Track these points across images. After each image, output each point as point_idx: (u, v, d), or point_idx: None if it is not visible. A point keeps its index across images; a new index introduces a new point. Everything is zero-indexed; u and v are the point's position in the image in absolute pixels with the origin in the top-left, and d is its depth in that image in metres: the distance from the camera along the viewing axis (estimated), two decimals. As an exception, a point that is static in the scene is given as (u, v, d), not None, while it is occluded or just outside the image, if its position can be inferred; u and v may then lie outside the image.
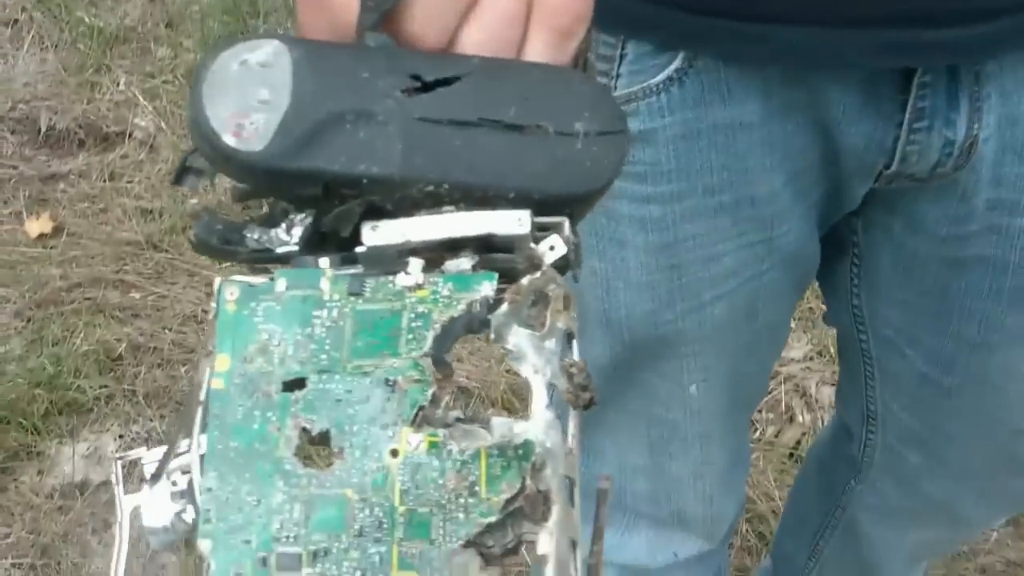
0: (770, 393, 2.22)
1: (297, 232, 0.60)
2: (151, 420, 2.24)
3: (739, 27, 0.95)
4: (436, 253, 0.59)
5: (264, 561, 0.52)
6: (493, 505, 0.55)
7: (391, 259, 0.59)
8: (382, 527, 0.54)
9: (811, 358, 2.24)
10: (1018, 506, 1.51)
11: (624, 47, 0.99)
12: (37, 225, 2.50)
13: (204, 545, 0.52)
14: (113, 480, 0.58)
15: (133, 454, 0.59)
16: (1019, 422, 1.26)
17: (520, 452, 0.57)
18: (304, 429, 0.55)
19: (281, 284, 0.58)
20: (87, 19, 2.84)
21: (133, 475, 0.56)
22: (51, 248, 2.48)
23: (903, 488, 1.44)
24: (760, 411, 2.20)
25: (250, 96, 0.56)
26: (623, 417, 1.29)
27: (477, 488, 0.56)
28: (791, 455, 2.17)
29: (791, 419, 2.21)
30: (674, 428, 1.28)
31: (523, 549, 0.55)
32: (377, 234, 0.58)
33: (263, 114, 0.56)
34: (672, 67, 0.99)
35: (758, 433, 2.19)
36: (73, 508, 2.17)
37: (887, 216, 1.14)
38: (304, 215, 0.60)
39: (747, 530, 2.10)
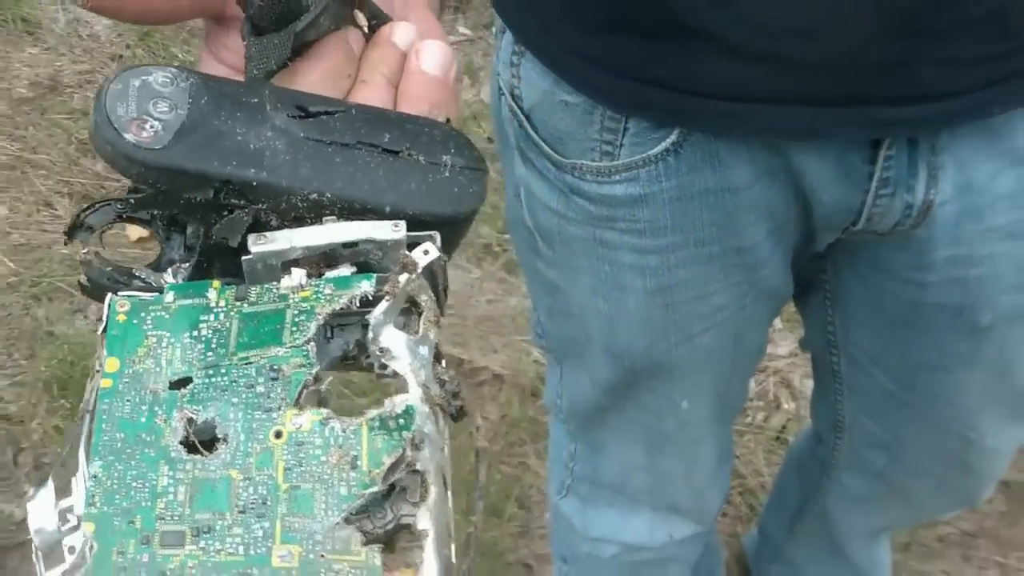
0: (760, 385, 2.22)
1: (181, 276, 0.58)
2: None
3: (727, 106, 0.96)
4: (316, 266, 0.58)
5: (148, 540, 0.50)
6: (375, 477, 0.54)
7: (274, 271, 0.58)
8: (266, 504, 0.52)
9: (795, 355, 2.24)
10: (968, 500, 1.51)
11: (627, 123, 1.00)
12: (135, 231, 2.49)
13: (88, 528, 0.50)
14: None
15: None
16: (966, 431, 1.27)
17: (401, 422, 0.55)
18: (190, 419, 0.53)
19: (170, 296, 0.57)
20: (180, 55, 2.83)
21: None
22: (148, 249, 2.47)
23: (868, 483, 1.47)
24: (752, 400, 2.20)
25: (150, 106, 0.56)
26: (624, 423, 1.31)
27: (359, 462, 0.54)
28: (777, 438, 2.17)
29: (778, 407, 2.21)
30: (667, 435, 1.30)
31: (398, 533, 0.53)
32: (263, 244, 0.57)
33: (161, 121, 0.55)
34: (669, 140, 0.99)
35: (749, 419, 2.19)
36: None
37: (852, 257, 1.15)
38: (187, 264, 0.59)
39: (739, 502, 2.10)
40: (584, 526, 1.50)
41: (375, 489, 0.53)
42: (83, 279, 0.59)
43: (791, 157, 0.99)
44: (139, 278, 0.58)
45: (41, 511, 0.54)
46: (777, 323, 2.07)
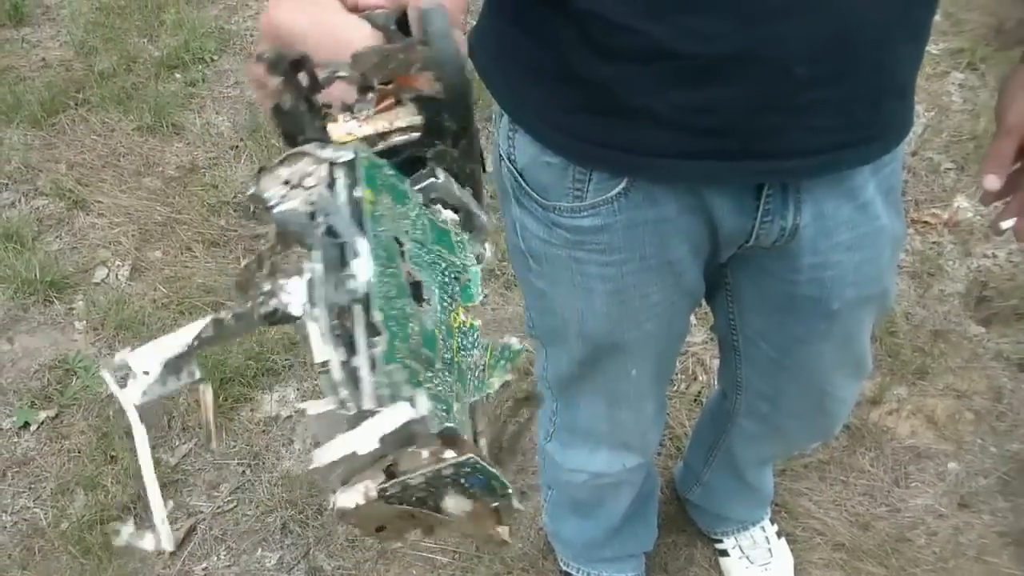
0: (682, 363, 2.21)
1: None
2: (316, 380, 2.24)
3: (660, 162, 0.96)
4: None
5: (403, 351, 0.46)
6: (489, 386, 0.52)
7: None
8: (449, 366, 0.49)
9: (706, 342, 2.24)
10: (825, 436, 1.55)
11: (591, 175, 1.00)
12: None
13: (378, 315, 0.45)
14: (113, 387, 0.52)
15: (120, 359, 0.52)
16: (824, 385, 1.29)
17: (509, 354, 0.53)
18: (409, 272, 0.49)
19: (390, 170, 0.52)
20: (276, 143, 2.83)
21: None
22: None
23: (758, 425, 1.47)
24: (677, 374, 2.19)
25: None
26: (591, 387, 1.30)
27: (484, 372, 0.52)
28: (695, 400, 2.16)
29: (695, 378, 2.20)
30: (622, 394, 1.29)
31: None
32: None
33: None
34: (620, 186, 0.99)
35: (676, 388, 2.18)
36: (271, 431, 2.17)
37: (745, 265, 1.15)
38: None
39: (670, 445, 2.09)
40: (563, 461, 1.50)
41: (488, 394, 0.51)
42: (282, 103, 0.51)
43: (704, 196, 1.00)
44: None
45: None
46: (693, 319, 2.08)
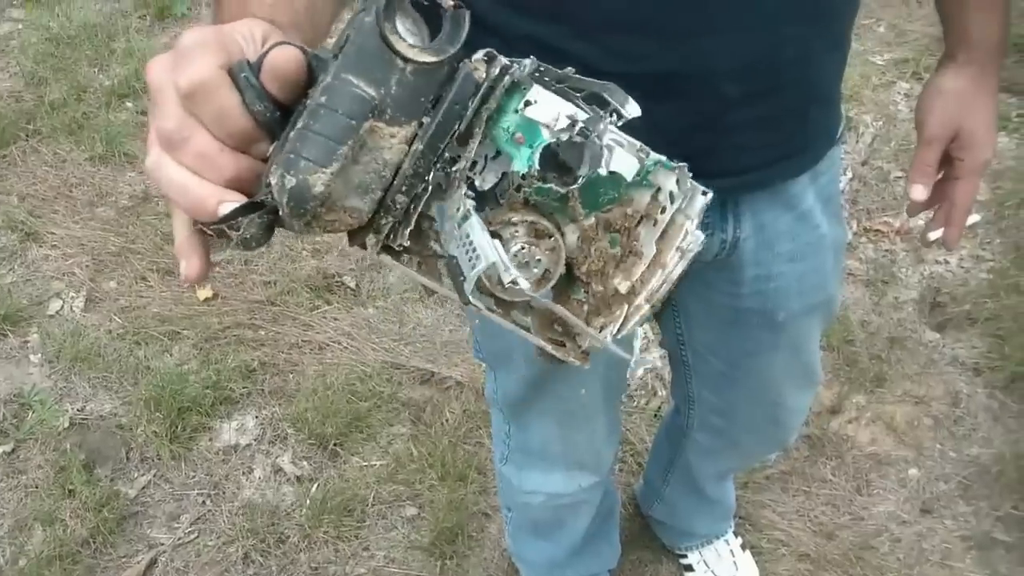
0: (642, 379, 2.21)
1: None
2: (275, 408, 2.22)
3: None
4: None
5: None
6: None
7: None
8: None
9: (664, 357, 2.24)
10: (780, 446, 1.55)
11: None
12: (203, 293, 2.48)
13: None
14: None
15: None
16: (775, 396, 1.29)
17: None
18: None
19: None
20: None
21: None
22: (212, 306, 2.46)
23: (713, 439, 1.46)
24: (636, 390, 2.20)
25: None
26: (541, 408, 1.30)
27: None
28: (655, 415, 2.16)
29: (655, 394, 2.20)
30: (573, 414, 1.29)
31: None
32: None
33: None
34: None
35: (636, 403, 2.18)
36: (230, 460, 2.15)
37: (689, 281, 1.14)
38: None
39: (631, 461, 2.09)
40: (520, 483, 1.49)
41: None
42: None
43: None
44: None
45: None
46: (651, 334, 2.07)
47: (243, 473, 2.12)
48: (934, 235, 1.14)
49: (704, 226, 1.01)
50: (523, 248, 0.54)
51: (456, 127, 0.49)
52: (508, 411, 1.36)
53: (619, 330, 0.55)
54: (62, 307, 2.48)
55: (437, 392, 2.23)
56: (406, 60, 0.47)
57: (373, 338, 2.35)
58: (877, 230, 2.53)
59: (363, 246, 0.52)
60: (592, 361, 1.17)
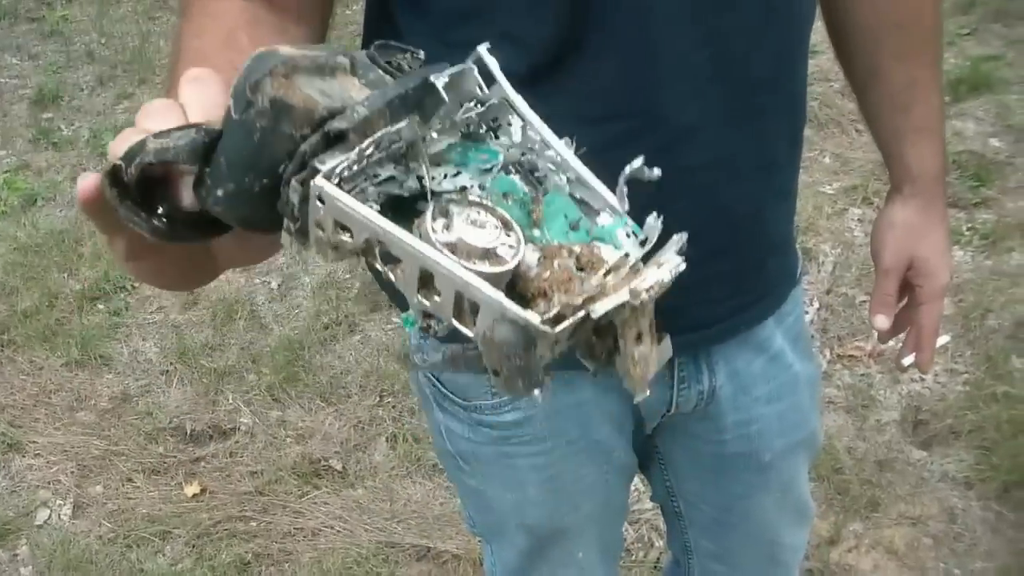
0: (637, 531, 2.21)
1: None
2: None
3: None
4: None
5: None
6: None
7: None
8: None
9: (657, 507, 2.23)
10: None
11: None
12: (191, 489, 2.47)
13: None
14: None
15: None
16: (771, 536, 1.28)
17: None
18: None
19: None
20: (206, 364, 2.85)
21: None
22: (200, 501, 2.45)
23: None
24: (633, 543, 2.19)
25: None
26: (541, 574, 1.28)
27: None
28: (654, 567, 2.15)
29: (652, 545, 2.19)
30: None
31: None
32: None
33: None
34: None
35: (634, 556, 2.17)
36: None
37: (672, 432, 1.17)
38: None
39: (635, 613, 2.07)
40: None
41: None
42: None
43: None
44: None
45: None
46: (642, 486, 2.08)
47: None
48: (907, 361, 1.18)
49: (681, 380, 1.05)
50: (479, 213, 0.51)
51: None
52: (510, 584, 1.35)
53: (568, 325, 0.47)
54: (50, 516, 2.46)
55: (435, 567, 2.21)
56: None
57: (365, 519, 2.34)
58: (850, 355, 2.58)
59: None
60: (587, 523, 1.19)
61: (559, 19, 0.81)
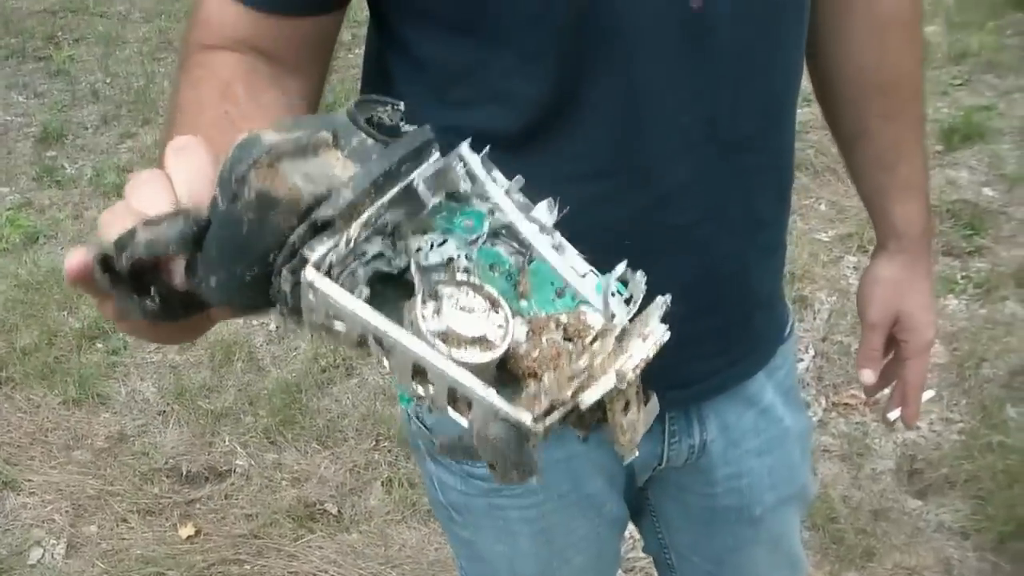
0: (631, 576, 2.21)
1: None
2: None
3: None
4: None
5: None
6: None
7: None
8: None
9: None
10: None
11: None
12: (185, 530, 2.47)
13: None
14: None
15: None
16: None
17: None
18: None
19: None
20: (203, 405, 2.85)
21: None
22: (195, 543, 2.45)
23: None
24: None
25: None
26: None
27: None
28: (649, 613, 2.14)
29: (646, 592, 2.19)
30: None
31: None
32: None
33: None
34: None
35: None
36: None
37: (664, 485, 1.17)
38: None
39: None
40: None
41: None
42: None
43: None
44: None
45: None
46: (637, 535, 2.07)
47: None
48: (893, 415, 1.19)
49: (672, 434, 1.06)
50: (468, 295, 0.53)
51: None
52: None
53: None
54: (43, 555, 2.45)
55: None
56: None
57: (360, 563, 2.34)
58: (846, 404, 2.59)
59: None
60: (579, 574, 1.19)
61: (550, 79, 0.82)
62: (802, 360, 2.72)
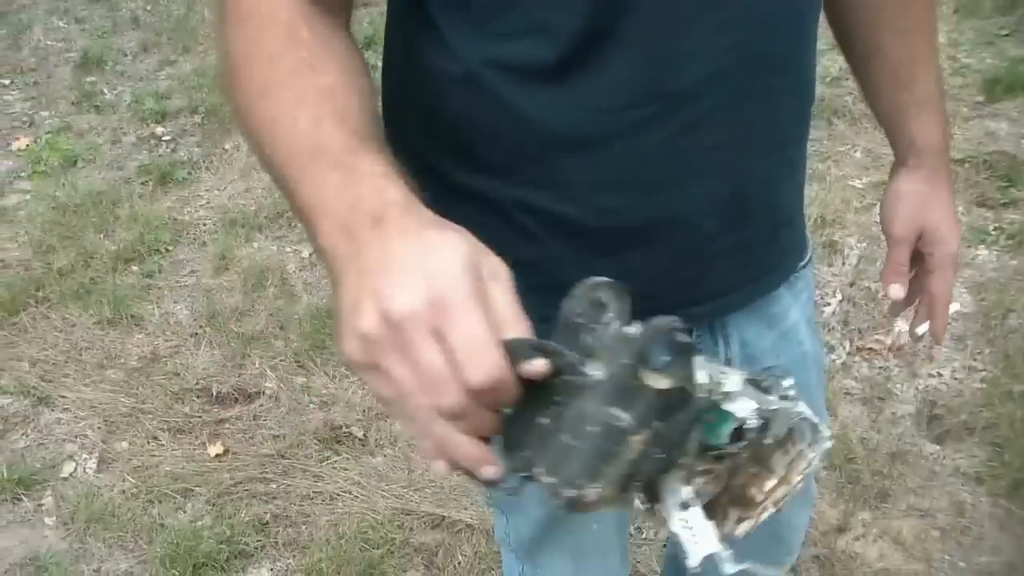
0: (648, 508, 2.23)
1: None
2: (289, 560, 2.24)
3: None
4: None
5: None
6: None
7: None
8: None
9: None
10: (784, 561, 1.52)
11: None
12: (214, 449, 2.53)
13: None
14: None
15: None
16: (777, 515, 1.29)
17: None
18: None
19: None
20: (235, 328, 2.89)
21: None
22: (222, 462, 2.50)
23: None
24: (645, 521, 2.21)
25: None
26: (555, 546, 1.31)
27: None
28: (664, 545, 2.16)
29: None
30: (586, 549, 1.32)
31: None
32: None
33: None
34: None
35: (644, 535, 2.20)
36: (245, 616, 2.16)
37: None
38: None
39: (643, 592, 2.10)
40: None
41: None
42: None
43: None
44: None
45: None
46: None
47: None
48: (921, 329, 1.20)
49: (698, 351, 1.08)
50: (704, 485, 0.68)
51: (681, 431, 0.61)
52: (521, 552, 1.37)
53: (752, 526, 0.72)
54: (75, 469, 2.52)
55: (448, 536, 2.25)
56: (655, 391, 0.58)
57: (383, 486, 2.39)
58: (870, 348, 2.59)
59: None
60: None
61: (587, 8, 0.83)
62: (829, 304, 2.72)
